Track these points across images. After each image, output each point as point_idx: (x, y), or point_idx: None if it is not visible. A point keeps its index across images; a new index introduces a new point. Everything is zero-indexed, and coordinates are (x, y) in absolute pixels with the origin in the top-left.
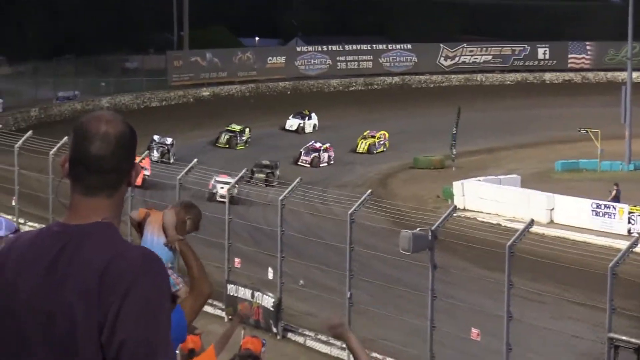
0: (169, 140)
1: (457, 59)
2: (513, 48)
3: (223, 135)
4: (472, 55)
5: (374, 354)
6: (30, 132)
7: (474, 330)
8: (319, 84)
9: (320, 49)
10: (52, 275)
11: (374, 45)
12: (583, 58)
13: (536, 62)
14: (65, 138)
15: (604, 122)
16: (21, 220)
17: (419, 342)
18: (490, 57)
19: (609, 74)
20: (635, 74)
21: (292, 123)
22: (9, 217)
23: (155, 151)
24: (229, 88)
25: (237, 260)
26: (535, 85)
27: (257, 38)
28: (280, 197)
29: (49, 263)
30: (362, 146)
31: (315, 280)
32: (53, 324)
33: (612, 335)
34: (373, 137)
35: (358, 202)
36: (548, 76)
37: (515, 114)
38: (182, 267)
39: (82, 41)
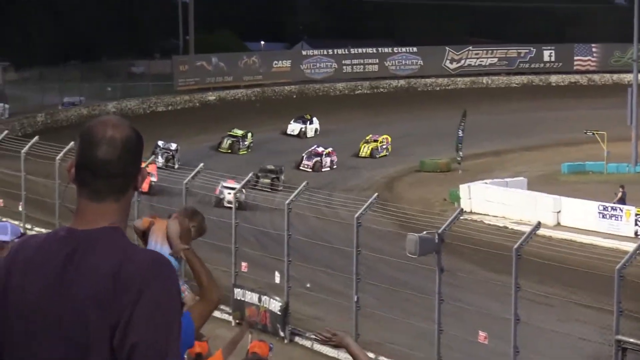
0: (173, 146)
1: (462, 61)
2: (519, 50)
3: (225, 140)
4: (477, 58)
5: (381, 358)
6: (36, 138)
7: (481, 333)
8: (325, 88)
9: (325, 52)
10: (61, 280)
11: (380, 49)
12: (589, 60)
13: (542, 65)
14: (72, 143)
15: (610, 124)
16: (28, 226)
17: (426, 345)
18: (496, 59)
19: (615, 76)
20: None
21: (294, 128)
22: (16, 222)
23: (159, 157)
24: (235, 92)
25: (244, 264)
26: (541, 88)
27: (262, 42)
28: (287, 201)
29: (57, 268)
30: (365, 150)
31: (322, 284)
32: (63, 327)
33: (619, 337)
34: (375, 141)
35: (364, 206)
36: (554, 78)
37: (521, 116)
38: (187, 271)
39: (88, 46)
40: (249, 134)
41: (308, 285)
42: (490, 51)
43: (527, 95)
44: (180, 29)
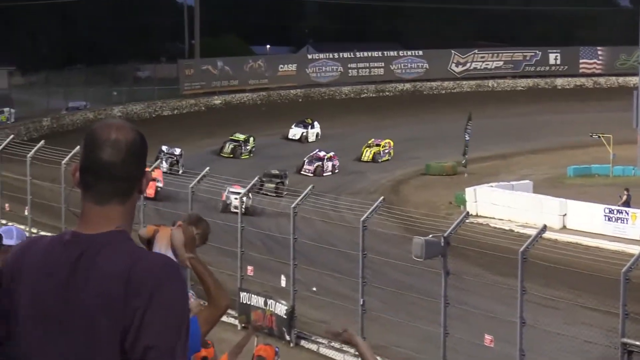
0: (177, 151)
1: (468, 65)
2: (524, 54)
3: (227, 145)
4: (483, 61)
5: None
6: (42, 142)
7: (487, 337)
8: (331, 91)
9: (331, 56)
10: (69, 284)
11: (385, 52)
12: (594, 63)
13: (547, 68)
14: (78, 147)
15: (616, 127)
16: (34, 230)
17: (432, 348)
18: (501, 62)
19: (621, 79)
20: None
21: (295, 132)
22: (22, 226)
23: (164, 162)
24: (241, 96)
25: (249, 268)
26: (546, 91)
27: (268, 46)
28: (293, 205)
29: (64, 272)
30: (367, 155)
31: (328, 287)
32: (71, 331)
33: (625, 340)
34: (378, 145)
35: (370, 209)
36: (559, 81)
37: (527, 119)
38: (192, 276)
39: (94, 51)
40: (251, 139)
41: (314, 288)
42: (495, 54)
43: (532, 98)
44: (186, 33)
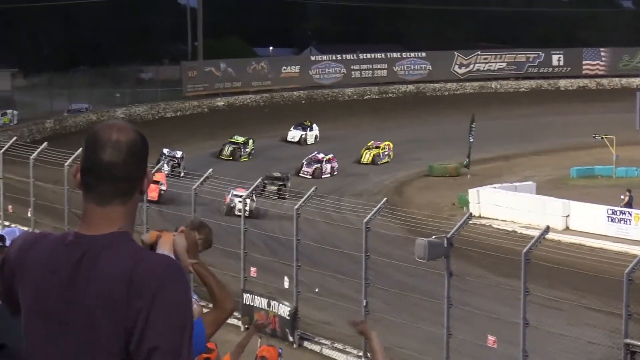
0: (178, 154)
1: (471, 66)
2: (527, 55)
3: (227, 147)
4: (486, 63)
5: None
6: (45, 144)
7: (490, 338)
8: (334, 93)
9: (334, 57)
10: (71, 285)
11: (388, 54)
12: (597, 64)
13: (550, 69)
14: (80, 149)
15: (619, 128)
16: (37, 232)
17: (435, 349)
18: (504, 64)
19: (624, 80)
20: None
21: (294, 134)
22: (25, 228)
23: (165, 165)
24: (244, 98)
25: (253, 269)
26: (549, 92)
27: (271, 48)
28: (296, 207)
29: (67, 273)
30: (367, 157)
31: (331, 288)
32: (73, 331)
33: (628, 341)
34: (377, 147)
35: (373, 211)
36: (563, 83)
37: (530, 121)
38: (195, 278)
39: (96, 52)
40: (250, 141)
41: (317, 290)
42: (499, 56)
43: (535, 99)
44: (189, 35)
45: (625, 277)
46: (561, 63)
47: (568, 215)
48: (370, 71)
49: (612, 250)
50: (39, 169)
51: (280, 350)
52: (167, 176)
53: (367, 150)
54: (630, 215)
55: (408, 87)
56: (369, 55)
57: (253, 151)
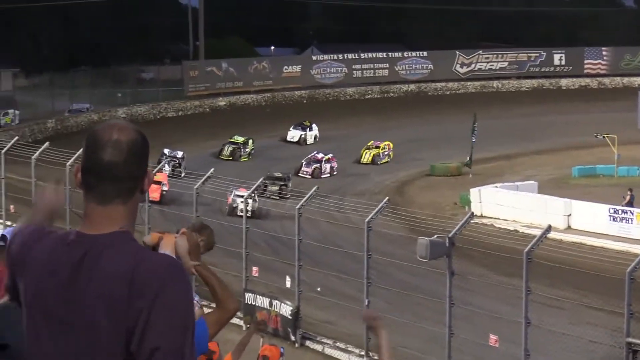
0: (179, 154)
1: (473, 65)
2: (529, 54)
3: (226, 148)
4: (488, 62)
5: None
6: (47, 144)
7: (492, 337)
8: (335, 93)
9: (335, 57)
10: (72, 285)
11: (390, 53)
12: (599, 63)
13: (552, 68)
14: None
15: (621, 127)
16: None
17: (437, 349)
18: (506, 63)
19: (625, 79)
20: None
21: (294, 134)
22: None
23: (166, 165)
24: (245, 97)
25: (254, 269)
26: (551, 92)
27: (272, 47)
28: (298, 206)
29: (68, 273)
30: (367, 157)
31: (333, 288)
32: (74, 331)
33: (630, 339)
34: (377, 147)
35: (375, 210)
36: (564, 82)
37: (532, 120)
38: (197, 277)
39: (97, 52)
40: (250, 141)
41: (319, 289)
42: (500, 55)
43: (537, 99)
44: (190, 35)
45: (627, 276)
46: (563, 62)
47: (570, 215)
48: (372, 71)
49: (614, 249)
50: (40, 168)
51: (282, 350)
52: (168, 176)
53: (367, 150)
54: (632, 214)
55: (409, 86)
56: (370, 55)
57: (253, 151)
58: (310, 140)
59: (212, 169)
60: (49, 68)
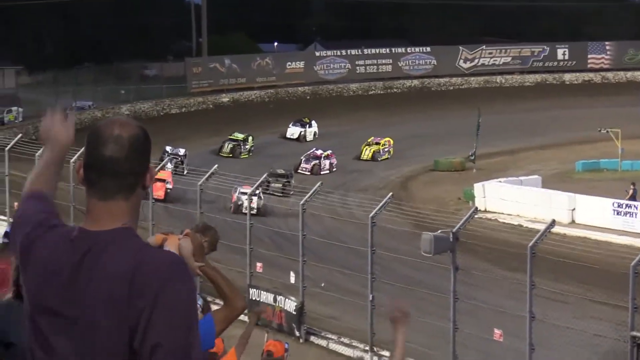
0: (181, 151)
1: (476, 61)
2: (532, 49)
3: (226, 145)
4: (491, 57)
5: None
6: None
7: (497, 331)
8: (339, 89)
9: (339, 53)
10: (74, 282)
11: (393, 49)
12: (602, 58)
13: (556, 63)
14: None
15: (625, 121)
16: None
17: (441, 343)
18: (509, 58)
19: (629, 74)
20: None
21: (293, 131)
22: None
23: (168, 163)
24: (249, 94)
25: (258, 264)
26: (555, 86)
27: (275, 43)
28: (301, 202)
29: (70, 270)
30: (367, 153)
31: (337, 283)
32: (76, 328)
33: (634, 333)
34: (377, 144)
35: (379, 205)
36: (568, 77)
37: (535, 115)
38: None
39: (101, 49)
40: (250, 138)
41: (323, 284)
42: (503, 50)
43: (541, 93)
44: (193, 31)
45: (631, 270)
46: (566, 57)
47: (574, 209)
48: (375, 66)
49: (618, 243)
50: None
51: (286, 345)
52: (171, 174)
53: (367, 147)
54: (636, 208)
55: (413, 82)
56: (373, 51)
57: (253, 148)
58: (309, 137)
59: (216, 165)
60: (52, 65)
